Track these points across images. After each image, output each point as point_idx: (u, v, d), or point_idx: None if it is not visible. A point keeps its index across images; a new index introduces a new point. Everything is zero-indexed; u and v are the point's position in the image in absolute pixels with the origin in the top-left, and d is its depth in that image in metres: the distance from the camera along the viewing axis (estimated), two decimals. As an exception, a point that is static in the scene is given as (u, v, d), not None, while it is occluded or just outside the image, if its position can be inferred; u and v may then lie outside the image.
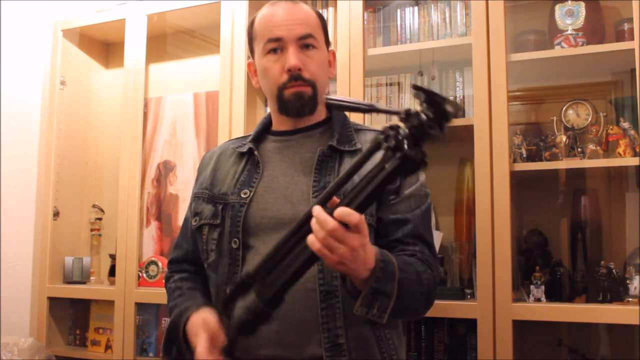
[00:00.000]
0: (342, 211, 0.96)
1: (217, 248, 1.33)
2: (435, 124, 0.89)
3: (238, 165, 1.39)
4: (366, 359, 1.23)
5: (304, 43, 1.32)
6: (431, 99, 0.89)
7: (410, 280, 1.14)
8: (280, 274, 1.01)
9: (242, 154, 1.40)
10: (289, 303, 1.23)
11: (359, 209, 0.97)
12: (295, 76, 1.30)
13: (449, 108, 0.89)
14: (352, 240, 0.98)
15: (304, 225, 1.00)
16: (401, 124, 0.92)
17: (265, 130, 1.43)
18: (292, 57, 1.29)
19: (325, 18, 2.18)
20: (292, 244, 1.01)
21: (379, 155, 0.96)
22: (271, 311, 1.02)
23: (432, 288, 1.23)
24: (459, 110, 0.93)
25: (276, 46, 1.32)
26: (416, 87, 0.90)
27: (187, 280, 1.43)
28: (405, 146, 0.90)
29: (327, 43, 1.40)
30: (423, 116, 0.89)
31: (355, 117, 2.00)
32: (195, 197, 1.43)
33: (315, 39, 1.33)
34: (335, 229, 0.96)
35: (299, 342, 1.23)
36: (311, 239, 0.98)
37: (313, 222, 0.98)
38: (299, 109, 1.32)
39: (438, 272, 1.27)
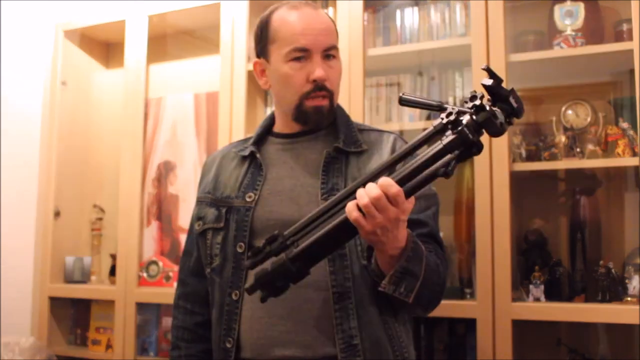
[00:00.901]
0: (384, 181, 1.00)
1: (222, 252, 1.34)
2: (501, 118, 0.93)
3: (240, 168, 1.39)
4: (381, 356, 1.25)
5: (328, 54, 1.32)
6: (499, 92, 0.93)
7: (432, 270, 1.16)
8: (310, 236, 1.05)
9: (244, 157, 1.40)
10: (301, 303, 1.24)
11: (402, 181, 1.00)
12: (320, 86, 1.31)
13: (514, 102, 0.92)
14: (390, 212, 1.01)
15: (343, 201, 1.05)
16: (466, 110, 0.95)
17: (266, 132, 1.44)
18: (320, 69, 1.30)
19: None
20: (328, 215, 1.06)
21: None
22: (293, 269, 1.06)
23: (445, 281, 1.26)
24: (522, 108, 0.96)
25: (301, 55, 1.31)
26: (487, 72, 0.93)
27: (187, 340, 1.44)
28: (465, 127, 0.93)
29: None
30: (491, 108, 0.93)
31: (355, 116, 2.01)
32: (199, 202, 1.43)
33: (337, 49, 1.35)
34: (379, 197, 1.00)
35: (313, 342, 1.24)
36: (350, 206, 1.02)
37: (359, 190, 1.02)
38: (318, 122, 1.34)
39: (447, 263, 1.29)
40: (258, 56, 1.40)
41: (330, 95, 1.33)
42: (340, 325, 1.23)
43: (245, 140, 1.48)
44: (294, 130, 1.38)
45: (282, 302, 1.24)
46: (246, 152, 1.39)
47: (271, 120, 1.44)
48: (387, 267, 1.12)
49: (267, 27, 1.36)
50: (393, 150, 1.34)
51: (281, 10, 1.35)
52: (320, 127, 1.35)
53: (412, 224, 1.22)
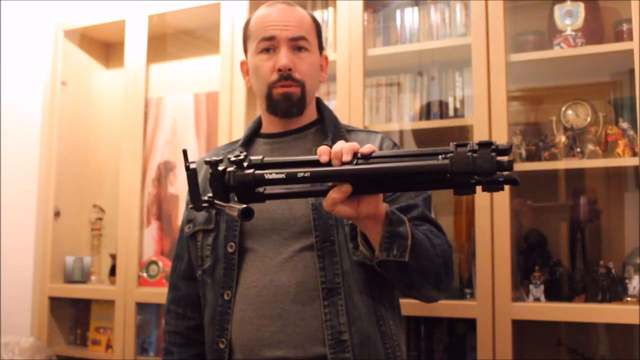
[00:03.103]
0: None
1: (213, 253, 1.34)
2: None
3: None
4: (369, 355, 1.24)
5: (297, 45, 1.33)
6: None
7: (421, 239, 1.16)
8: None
9: None
10: (290, 304, 1.24)
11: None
12: (285, 76, 1.31)
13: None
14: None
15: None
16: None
17: (254, 134, 1.44)
18: (284, 57, 1.31)
19: (325, 19, 2.19)
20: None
21: None
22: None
23: (447, 255, 1.23)
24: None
25: (269, 45, 1.33)
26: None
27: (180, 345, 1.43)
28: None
29: (321, 48, 1.41)
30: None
31: (354, 121, 2.01)
32: (188, 205, 1.43)
33: (307, 41, 1.34)
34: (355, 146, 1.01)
35: (303, 342, 1.23)
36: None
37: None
38: (287, 110, 1.33)
39: (450, 244, 1.27)
40: (245, 57, 1.44)
41: (301, 85, 1.32)
42: (329, 322, 1.23)
43: (233, 142, 1.49)
44: (279, 130, 1.38)
45: (272, 303, 1.25)
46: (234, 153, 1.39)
47: (258, 122, 1.45)
48: (376, 241, 1.11)
49: (246, 27, 1.41)
50: (380, 149, 1.34)
51: (259, 9, 1.39)
52: (291, 115, 1.34)
53: (402, 210, 1.22)
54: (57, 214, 2.59)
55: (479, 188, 0.93)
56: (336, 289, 1.24)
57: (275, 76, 1.32)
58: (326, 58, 1.45)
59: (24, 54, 2.74)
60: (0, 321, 2.54)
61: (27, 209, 2.67)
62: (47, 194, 2.60)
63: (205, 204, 1.08)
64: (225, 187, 1.05)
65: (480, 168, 0.89)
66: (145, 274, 2.40)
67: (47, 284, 2.54)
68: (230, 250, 1.31)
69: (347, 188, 0.99)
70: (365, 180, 0.99)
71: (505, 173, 0.91)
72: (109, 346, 2.48)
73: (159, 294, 2.30)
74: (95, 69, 2.80)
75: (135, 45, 2.47)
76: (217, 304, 1.31)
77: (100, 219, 2.69)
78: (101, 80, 2.81)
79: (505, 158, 0.89)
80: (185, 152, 1.11)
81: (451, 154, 0.90)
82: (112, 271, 2.51)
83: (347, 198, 1.00)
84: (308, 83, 1.34)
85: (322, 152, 1.02)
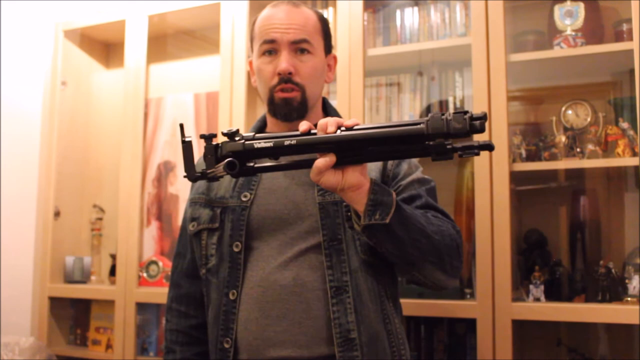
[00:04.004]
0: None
1: (217, 252, 1.33)
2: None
3: None
4: (377, 354, 1.25)
5: (298, 47, 1.33)
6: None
7: (412, 212, 1.16)
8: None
9: None
10: (296, 303, 1.25)
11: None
12: (285, 80, 1.31)
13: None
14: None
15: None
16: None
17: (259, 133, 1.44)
18: (284, 61, 1.31)
19: (325, 18, 2.19)
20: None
21: None
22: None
23: (452, 236, 1.24)
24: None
25: (270, 48, 1.33)
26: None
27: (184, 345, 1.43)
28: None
29: (328, 48, 1.41)
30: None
31: (355, 116, 2.01)
32: (192, 203, 1.42)
33: (310, 44, 1.34)
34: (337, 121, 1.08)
35: (309, 342, 1.24)
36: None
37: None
38: (287, 114, 1.34)
39: (458, 229, 1.27)
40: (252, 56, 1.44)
41: (302, 89, 1.32)
42: (338, 320, 1.23)
43: None
44: (284, 130, 1.38)
45: (277, 303, 1.25)
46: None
47: (263, 121, 1.45)
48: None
49: (253, 27, 1.41)
50: None
51: (265, 9, 1.39)
52: (291, 119, 1.34)
53: (406, 201, 1.23)
54: (57, 214, 2.59)
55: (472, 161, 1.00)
56: (344, 287, 1.25)
57: (275, 80, 1.32)
58: (335, 57, 1.45)
59: (24, 54, 2.74)
60: (0, 321, 2.54)
61: (27, 209, 2.67)
62: (47, 194, 2.60)
63: (198, 174, 1.13)
64: (218, 160, 1.11)
65: (454, 129, 0.98)
66: (145, 274, 2.40)
67: (47, 284, 2.54)
68: (236, 249, 1.30)
69: (331, 156, 1.04)
70: (347, 146, 1.05)
71: (482, 141, 1.01)
72: (109, 346, 2.48)
73: (159, 294, 2.30)
74: (95, 69, 2.80)
75: (135, 45, 2.47)
76: (222, 303, 1.30)
77: (100, 219, 2.69)
78: (101, 80, 2.81)
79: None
80: (181, 126, 1.16)
81: (427, 119, 1.00)
82: (112, 271, 2.51)
83: (332, 168, 1.05)
84: (309, 87, 1.34)
85: (303, 124, 1.09)
